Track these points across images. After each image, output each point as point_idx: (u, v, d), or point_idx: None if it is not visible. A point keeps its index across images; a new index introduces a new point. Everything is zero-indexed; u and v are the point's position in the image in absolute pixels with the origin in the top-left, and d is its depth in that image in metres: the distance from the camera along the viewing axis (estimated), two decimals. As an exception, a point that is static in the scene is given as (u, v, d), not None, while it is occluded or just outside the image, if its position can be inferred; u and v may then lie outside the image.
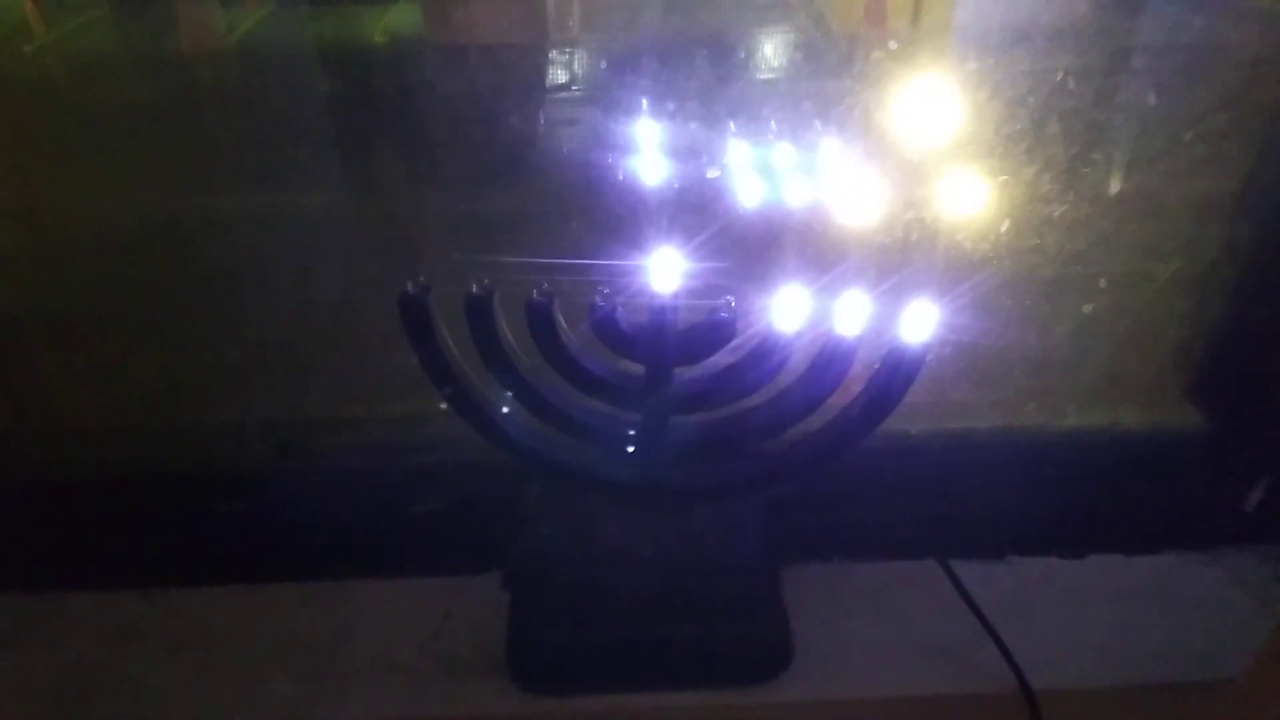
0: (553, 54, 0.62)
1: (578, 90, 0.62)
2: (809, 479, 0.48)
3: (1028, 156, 0.57)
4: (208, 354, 0.65)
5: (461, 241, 0.64)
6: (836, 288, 0.42)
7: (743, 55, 0.61)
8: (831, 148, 0.51)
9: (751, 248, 0.48)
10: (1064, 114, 0.57)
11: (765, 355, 0.44)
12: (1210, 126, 0.58)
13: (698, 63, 0.59)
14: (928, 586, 0.59)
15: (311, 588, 0.60)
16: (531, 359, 0.46)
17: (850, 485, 0.59)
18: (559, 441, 0.49)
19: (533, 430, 0.48)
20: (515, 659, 0.54)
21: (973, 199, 0.55)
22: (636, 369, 0.46)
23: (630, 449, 0.48)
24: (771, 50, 0.62)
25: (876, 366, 0.45)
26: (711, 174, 0.49)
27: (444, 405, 0.47)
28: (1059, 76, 0.55)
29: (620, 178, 0.49)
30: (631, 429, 0.48)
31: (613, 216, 0.51)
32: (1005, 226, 0.58)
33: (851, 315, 0.42)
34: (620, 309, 0.44)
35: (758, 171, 0.48)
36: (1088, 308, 0.62)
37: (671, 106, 0.55)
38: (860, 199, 0.49)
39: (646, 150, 0.49)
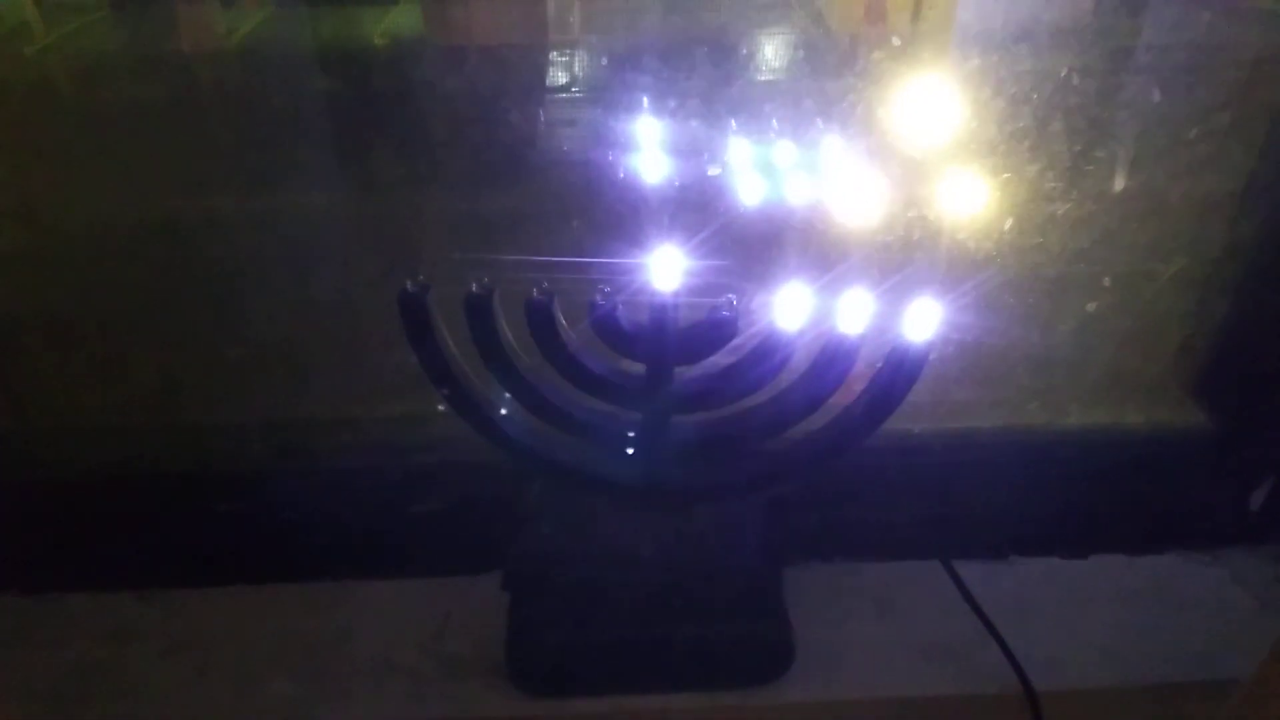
0: (553, 54, 0.62)
1: (577, 91, 0.62)
2: (810, 478, 0.48)
3: (1030, 154, 0.57)
4: (207, 354, 0.65)
5: (462, 241, 0.64)
6: (838, 286, 0.42)
7: (743, 54, 0.61)
8: (833, 146, 0.51)
9: (753, 246, 0.48)
10: (1066, 113, 0.57)
11: (767, 354, 0.44)
12: (1213, 125, 0.58)
13: (698, 62, 0.59)
14: (930, 587, 0.59)
15: (311, 588, 0.60)
16: (531, 358, 0.46)
17: (852, 485, 0.59)
18: (559, 441, 0.49)
19: (532, 430, 0.48)
20: (515, 660, 0.54)
21: (975, 197, 0.55)
22: (637, 368, 0.46)
23: (631, 449, 0.48)
24: (771, 49, 0.62)
25: (879, 365, 0.44)
26: (713, 171, 0.48)
27: (443, 406, 0.46)
28: (1062, 74, 0.55)
29: (621, 176, 0.49)
30: (632, 428, 0.47)
31: (613, 215, 0.50)
32: (1008, 225, 0.58)
33: (854, 313, 0.42)
34: (621, 307, 0.44)
35: (759, 169, 0.48)
36: (1091, 306, 0.62)
37: (672, 105, 0.55)
38: (862, 197, 0.49)
39: (647, 148, 0.49)
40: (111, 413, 0.67)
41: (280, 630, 0.58)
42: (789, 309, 0.42)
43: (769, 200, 0.47)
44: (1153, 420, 0.66)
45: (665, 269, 0.41)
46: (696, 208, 0.46)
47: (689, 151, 0.48)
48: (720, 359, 0.45)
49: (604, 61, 0.63)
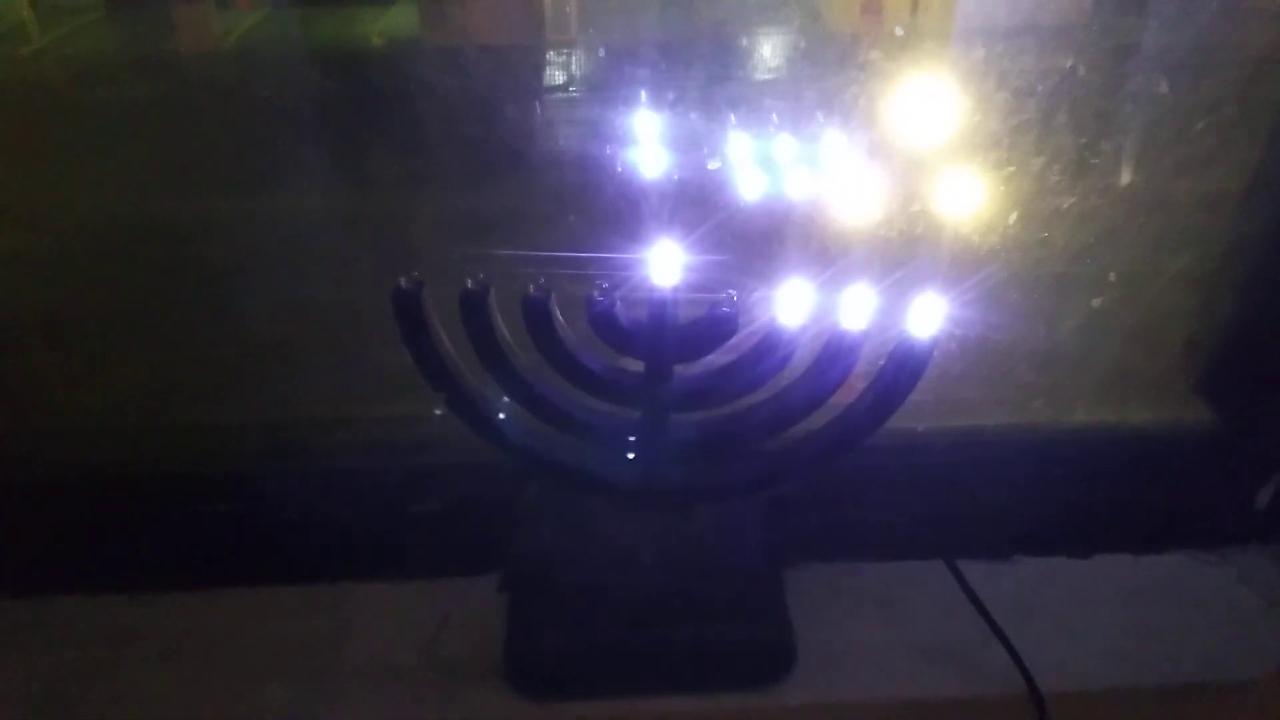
0: (550, 54, 0.61)
1: (575, 90, 0.62)
2: (812, 478, 0.48)
3: (1034, 148, 0.56)
4: (202, 353, 0.65)
5: (459, 240, 0.63)
6: (841, 281, 0.41)
7: (742, 46, 0.60)
8: (834, 140, 0.51)
9: (754, 241, 0.47)
10: (1071, 106, 0.56)
11: (768, 351, 0.43)
12: (1219, 120, 0.57)
13: (696, 58, 0.59)
14: (933, 587, 0.58)
15: (307, 590, 0.60)
16: (528, 356, 0.45)
17: (854, 484, 0.59)
18: (557, 441, 0.48)
19: (530, 430, 0.48)
20: (514, 663, 0.53)
21: (978, 192, 0.55)
22: (636, 366, 0.45)
23: (630, 448, 0.48)
24: (770, 44, 0.61)
25: (882, 362, 0.44)
26: (712, 165, 0.48)
27: (440, 409, 0.46)
28: (1067, 65, 0.55)
29: (619, 170, 0.48)
30: (631, 428, 0.47)
31: (611, 210, 0.50)
32: (1012, 219, 0.57)
33: (856, 310, 0.41)
34: (619, 304, 0.43)
35: (759, 164, 0.47)
36: (1096, 302, 0.62)
37: (671, 99, 0.54)
38: (864, 191, 0.48)
39: (645, 143, 0.48)
40: (105, 413, 0.66)
41: (276, 632, 0.57)
42: (790, 305, 0.42)
43: (770, 195, 0.47)
44: (1158, 418, 0.66)
45: (664, 264, 0.41)
46: (696, 202, 0.46)
47: (688, 146, 0.48)
48: (720, 357, 0.45)
49: (601, 60, 0.63)
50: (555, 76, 0.62)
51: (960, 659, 0.56)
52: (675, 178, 0.47)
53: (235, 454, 0.64)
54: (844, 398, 0.45)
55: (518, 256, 0.46)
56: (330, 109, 0.62)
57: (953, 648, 0.56)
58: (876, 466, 0.57)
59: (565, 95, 0.62)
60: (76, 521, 0.60)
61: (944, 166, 0.54)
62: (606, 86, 0.61)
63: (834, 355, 0.43)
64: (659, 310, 0.42)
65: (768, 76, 0.61)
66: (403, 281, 0.42)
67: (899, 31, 0.55)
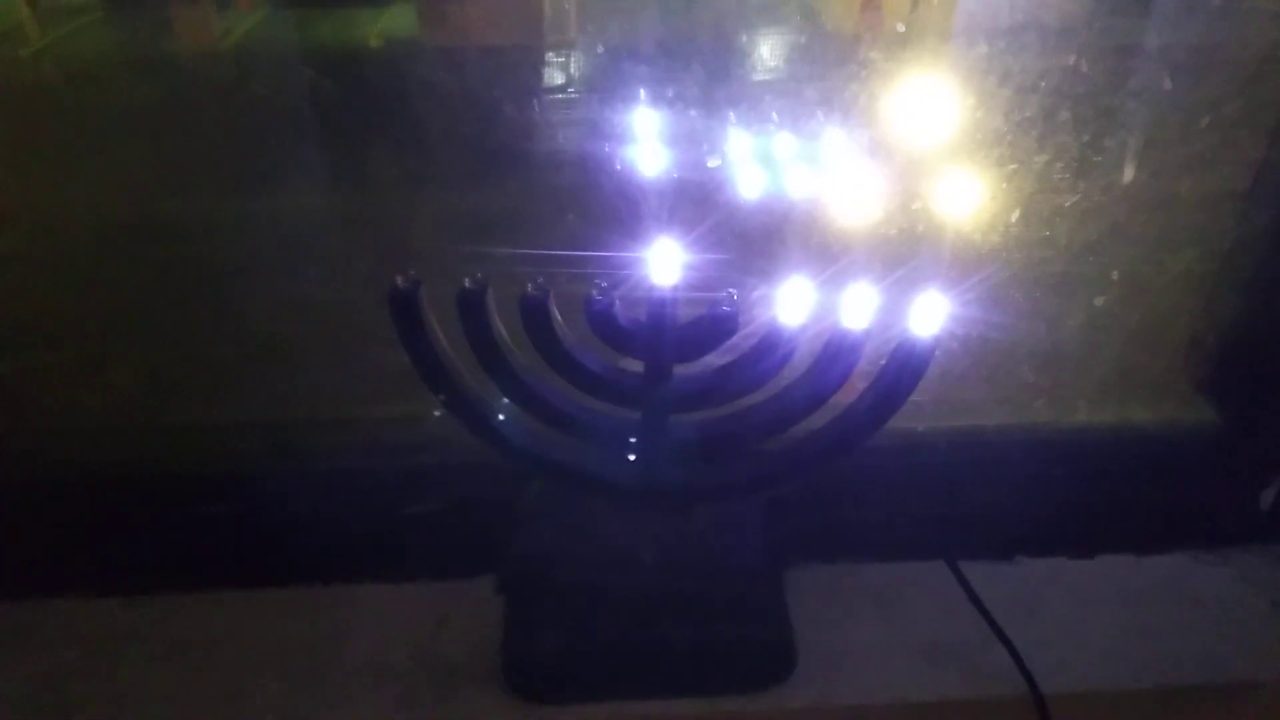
0: (549, 54, 0.61)
1: (573, 91, 0.62)
2: (813, 478, 0.47)
3: (1036, 145, 0.56)
4: (196, 353, 0.65)
5: (458, 241, 0.63)
6: (842, 280, 0.41)
7: (741, 44, 0.60)
8: (834, 137, 0.50)
9: (754, 239, 0.47)
10: (1069, 106, 0.56)
11: (768, 350, 0.43)
12: (1222, 117, 0.57)
13: (695, 57, 0.58)
14: (934, 588, 0.58)
15: (302, 592, 0.59)
16: (527, 356, 0.45)
17: (855, 485, 0.58)
18: (556, 441, 0.48)
19: (529, 430, 0.47)
20: (511, 665, 0.53)
21: (980, 190, 0.54)
22: (635, 366, 0.45)
23: (629, 449, 0.47)
24: (770, 43, 0.61)
25: (883, 362, 0.43)
26: (712, 163, 0.47)
27: (438, 409, 0.45)
28: (1069, 62, 0.54)
29: (618, 169, 0.48)
30: (630, 428, 0.47)
31: (610, 208, 0.49)
32: (1014, 217, 0.57)
33: (857, 308, 0.41)
34: (618, 303, 0.43)
35: (760, 162, 0.47)
36: (1099, 301, 0.61)
37: (670, 95, 0.54)
38: (865, 189, 0.48)
39: (644, 140, 0.48)
40: (100, 413, 0.66)
41: (272, 635, 0.57)
42: (791, 304, 0.41)
43: (770, 193, 0.46)
44: (1160, 418, 0.66)
45: (663, 263, 0.40)
46: (696, 200, 0.45)
47: (687, 144, 0.47)
48: (720, 356, 0.44)
49: (600, 60, 0.62)
50: (554, 77, 0.62)
51: (961, 660, 0.55)
52: (675, 176, 0.47)
53: (231, 455, 0.63)
54: (844, 398, 0.45)
55: (515, 255, 0.45)
56: (329, 109, 0.62)
57: (954, 649, 0.56)
58: (877, 466, 0.57)
59: (564, 95, 0.62)
60: (72, 522, 0.60)
61: (945, 165, 0.54)
62: (605, 86, 0.61)
63: (835, 355, 0.43)
64: (658, 309, 0.42)
65: (767, 75, 0.60)
66: (399, 280, 0.42)
67: (900, 28, 0.55)
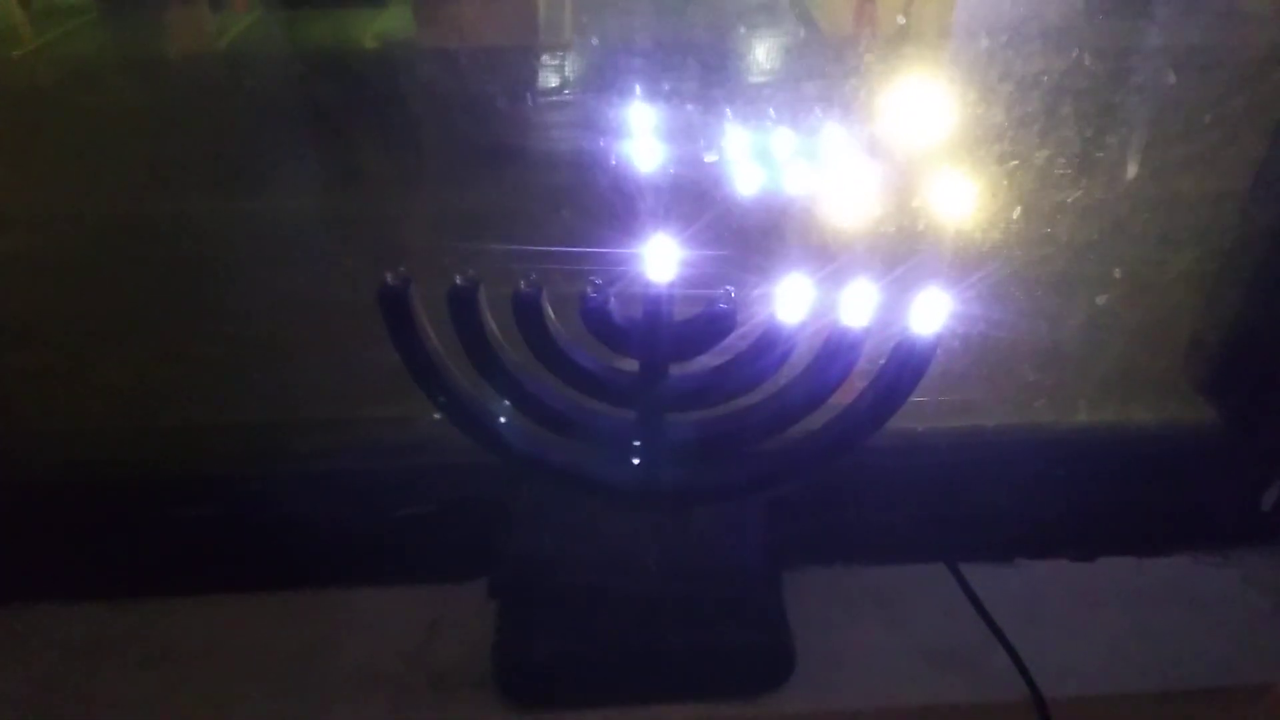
0: (545, 55, 0.61)
1: (569, 91, 0.62)
2: (812, 479, 0.47)
3: (1038, 141, 0.56)
4: (184, 353, 0.64)
5: (452, 239, 0.62)
6: (842, 277, 0.40)
7: (739, 38, 0.60)
8: (833, 133, 0.50)
9: (752, 235, 0.47)
10: (1068, 102, 0.56)
11: (766, 349, 0.42)
12: (1225, 113, 0.57)
13: (693, 54, 0.58)
14: (934, 590, 0.58)
15: (290, 597, 0.59)
16: (520, 355, 0.44)
17: (854, 485, 0.58)
18: (550, 442, 0.47)
19: (522, 430, 0.47)
20: (504, 670, 0.52)
21: (980, 188, 0.54)
22: (630, 364, 0.44)
23: (625, 449, 0.47)
24: (767, 39, 0.61)
25: (883, 361, 0.43)
26: (709, 158, 0.47)
27: (436, 412, 0.45)
28: (1071, 56, 0.54)
29: (614, 165, 0.47)
30: (626, 428, 0.46)
31: (606, 205, 0.49)
32: (1015, 215, 0.57)
33: (858, 305, 0.40)
34: (613, 300, 0.42)
35: (758, 157, 0.46)
36: (1100, 299, 0.61)
37: (666, 89, 0.54)
38: (865, 185, 0.47)
39: (640, 136, 0.47)
40: (85, 414, 0.65)
41: (259, 640, 0.56)
42: (789, 301, 0.41)
43: (769, 189, 0.46)
44: (1162, 418, 0.65)
45: (659, 260, 0.40)
46: (692, 196, 0.45)
47: (684, 139, 0.47)
48: (717, 355, 0.44)
49: (596, 61, 0.62)
50: (549, 77, 0.61)
51: (962, 663, 0.55)
52: (671, 172, 0.46)
53: (218, 456, 0.63)
54: (842, 398, 0.44)
55: (509, 252, 0.45)
56: (325, 110, 0.62)
57: (954, 652, 0.55)
58: (877, 467, 0.57)
59: (559, 96, 0.62)
60: (53, 525, 0.59)
61: (945, 161, 0.54)
62: (601, 86, 0.61)
63: (834, 353, 0.42)
64: (654, 307, 0.41)
65: (763, 71, 0.60)
66: (389, 278, 0.41)
67: (900, 20, 0.54)
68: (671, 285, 0.40)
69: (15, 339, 0.63)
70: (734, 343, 0.43)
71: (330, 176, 0.64)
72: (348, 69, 0.62)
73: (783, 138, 0.47)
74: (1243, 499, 0.64)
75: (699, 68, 0.57)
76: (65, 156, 0.60)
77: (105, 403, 0.65)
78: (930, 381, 0.42)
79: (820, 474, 0.46)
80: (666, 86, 0.54)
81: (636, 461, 0.47)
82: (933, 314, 0.40)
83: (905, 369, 0.42)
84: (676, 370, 0.44)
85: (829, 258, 0.42)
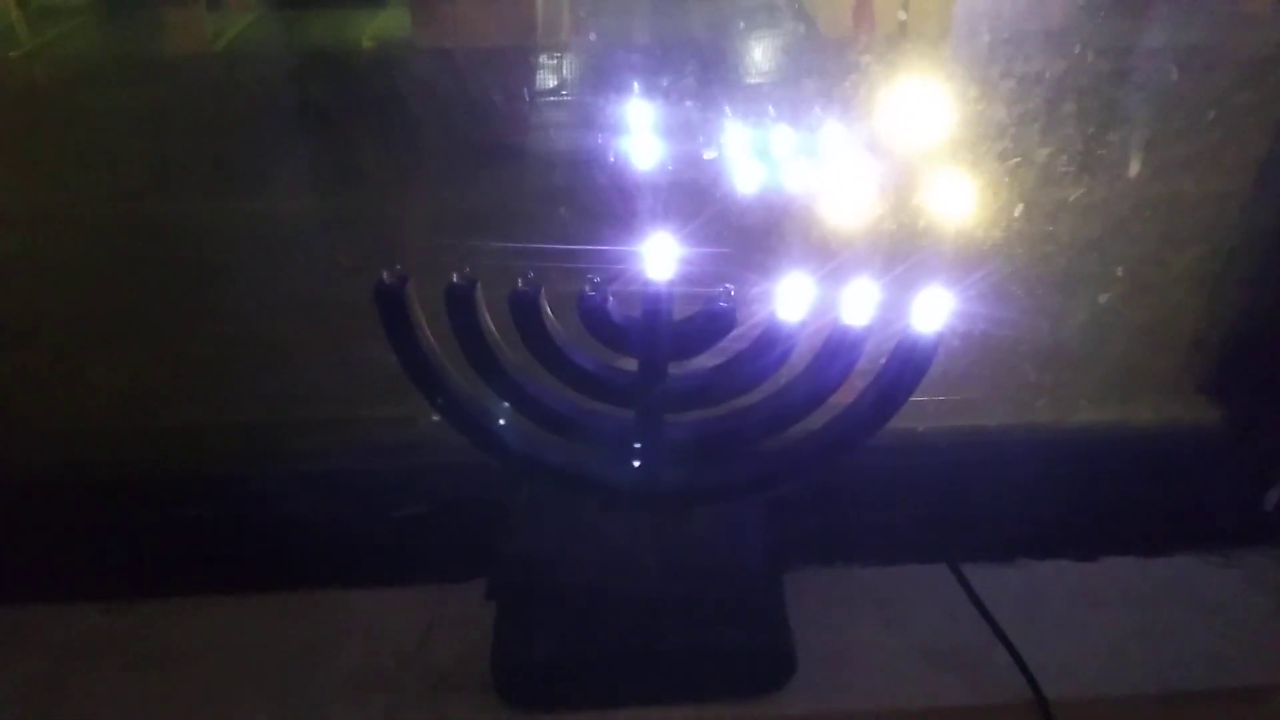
0: (543, 55, 0.62)
1: (566, 91, 0.62)
2: (812, 479, 0.47)
3: (1040, 139, 0.55)
4: (179, 353, 0.64)
5: (451, 239, 0.62)
6: (843, 275, 0.40)
7: (739, 32, 0.59)
8: (834, 130, 0.49)
9: (752, 233, 0.46)
10: (1071, 99, 0.55)
11: (767, 348, 0.42)
12: (1228, 110, 0.57)
13: (692, 52, 0.58)
14: (936, 591, 0.57)
15: (286, 599, 0.58)
16: (518, 354, 0.44)
17: (855, 486, 0.58)
18: (548, 441, 0.47)
19: (520, 430, 0.47)
20: (502, 673, 0.52)
21: (982, 185, 0.54)
22: (629, 363, 0.44)
23: (624, 449, 0.46)
24: (767, 35, 0.60)
25: (884, 360, 0.42)
26: (709, 155, 0.46)
27: (431, 410, 0.44)
28: (1075, 51, 0.53)
29: (612, 162, 0.47)
30: (625, 428, 0.46)
31: (604, 202, 0.48)
32: (1017, 212, 0.56)
33: (859, 304, 0.40)
34: (611, 299, 0.42)
35: (758, 155, 0.46)
36: (1102, 298, 0.61)
37: (665, 86, 0.53)
38: (866, 183, 0.47)
39: (639, 133, 0.47)
40: (78, 414, 0.65)
41: (255, 642, 0.56)
42: (790, 300, 0.41)
43: (769, 186, 0.45)
44: (1164, 417, 0.65)
45: (659, 257, 0.39)
46: (692, 193, 0.44)
47: (684, 135, 0.46)
48: (716, 354, 0.44)
49: (593, 61, 0.62)
50: (547, 76, 0.61)
51: (964, 664, 0.55)
52: (670, 169, 0.46)
53: (215, 456, 0.62)
54: (843, 398, 0.44)
55: (506, 249, 0.45)
56: (323, 110, 0.62)
57: (956, 653, 0.55)
58: (878, 467, 0.57)
59: (557, 96, 0.62)
60: (47, 526, 0.59)
61: (947, 158, 0.53)
62: (599, 84, 0.60)
63: (835, 352, 0.42)
64: (653, 305, 0.41)
65: (764, 67, 0.60)
66: (385, 276, 0.41)
67: (901, 15, 0.54)
68: (670, 283, 0.40)
69: (11, 339, 0.62)
70: (734, 342, 0.43)
71: (328, 176, 0.64)
72: (345, 69, 0.62)
73: (782, 135, 0.46)
74: (1245, 499, 0.63)
75: (698, 65, 0.57)
76: (63, 157, 0.61)
77: (101, 402, 0.64)
78: (931, 381, 0.42)
79: (821, 474, 0.46)
80: (665, 83, 0.54)
81: (636, 462, 0.46)
82: (935, 312, 0.40)
83: (907, 368, 0.42)
84: (676, 369, 0.44)
85: (829, 256, 0.42)
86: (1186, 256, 0.62)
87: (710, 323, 0.42)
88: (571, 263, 0.43)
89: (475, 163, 0.62)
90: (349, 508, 0.59)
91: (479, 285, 0.42)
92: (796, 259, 0.41)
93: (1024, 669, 0.53)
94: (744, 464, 0.48)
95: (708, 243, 0.40)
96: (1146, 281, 0.62)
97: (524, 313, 0.42)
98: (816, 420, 0.45)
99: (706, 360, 0.44)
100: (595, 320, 0.42)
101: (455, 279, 0.41)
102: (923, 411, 0.62)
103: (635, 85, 0.54)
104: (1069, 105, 0.55)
